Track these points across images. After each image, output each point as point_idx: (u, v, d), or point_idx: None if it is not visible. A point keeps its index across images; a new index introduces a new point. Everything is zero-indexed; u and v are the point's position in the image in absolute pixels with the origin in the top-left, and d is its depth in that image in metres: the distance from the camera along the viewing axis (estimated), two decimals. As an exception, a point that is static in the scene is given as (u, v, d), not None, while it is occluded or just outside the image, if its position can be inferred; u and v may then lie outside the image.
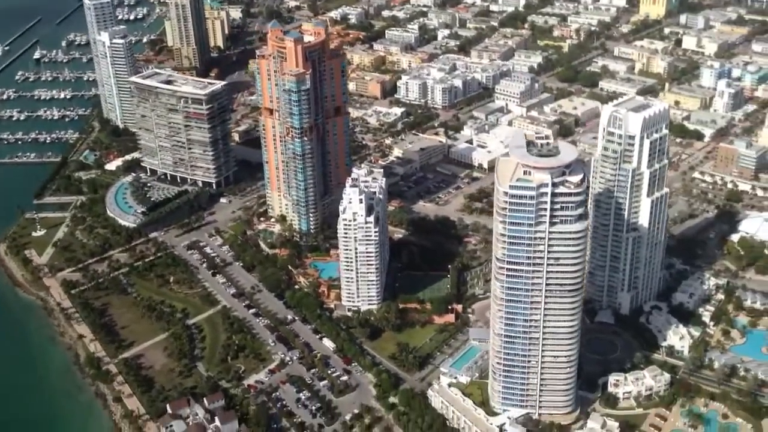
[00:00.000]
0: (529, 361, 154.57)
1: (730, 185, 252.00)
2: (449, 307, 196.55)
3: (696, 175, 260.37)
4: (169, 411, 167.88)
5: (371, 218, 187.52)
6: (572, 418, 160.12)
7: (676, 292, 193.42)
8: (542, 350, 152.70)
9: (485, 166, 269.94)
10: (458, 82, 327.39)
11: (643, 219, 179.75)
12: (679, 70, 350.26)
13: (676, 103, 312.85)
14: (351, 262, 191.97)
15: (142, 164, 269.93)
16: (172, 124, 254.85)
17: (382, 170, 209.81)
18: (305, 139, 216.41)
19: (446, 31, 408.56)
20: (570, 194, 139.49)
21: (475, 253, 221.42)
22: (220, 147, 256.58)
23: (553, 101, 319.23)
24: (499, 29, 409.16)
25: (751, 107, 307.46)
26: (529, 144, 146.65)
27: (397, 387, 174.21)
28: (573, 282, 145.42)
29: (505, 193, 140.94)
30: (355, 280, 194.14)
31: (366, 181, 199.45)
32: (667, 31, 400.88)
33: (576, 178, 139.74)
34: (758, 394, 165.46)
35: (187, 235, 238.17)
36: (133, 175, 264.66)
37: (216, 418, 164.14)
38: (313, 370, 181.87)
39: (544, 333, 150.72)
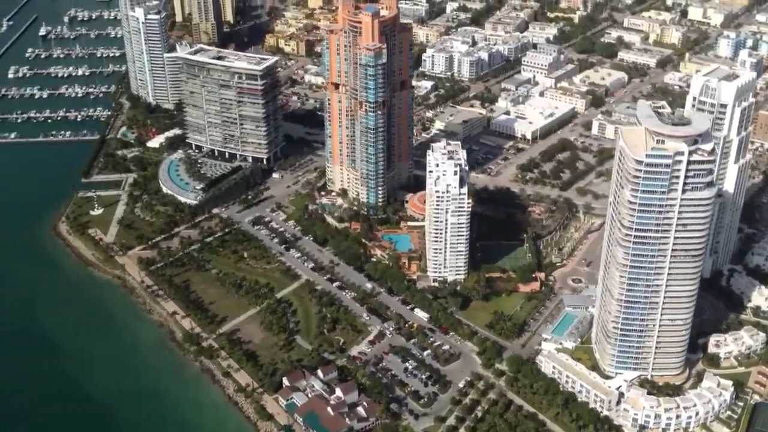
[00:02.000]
0: (646, 325, 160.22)
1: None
2: (533, 276, 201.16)
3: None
4: (287, 383, 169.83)
5: (464, 190, 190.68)
6: (682, 379, 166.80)
7: (752, 255, 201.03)
8: (661, 314, 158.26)
9: (528, 137, 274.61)
10: (484, 55, 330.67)
11: (729, 185, 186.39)
12: (691, 40, 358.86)
13: (697, 72, 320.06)
14: (441, 233, 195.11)
15: (187, 141, 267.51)
16: (224, 100, 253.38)
17: (459, 143, 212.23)
18: (378, 113, 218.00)
19: (454, 4, 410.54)
20: (703, 162, 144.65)
21: (541, 222, 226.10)
22: (272, 122, 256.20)
23: (578, 72, 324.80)
24: (507, 1, 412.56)
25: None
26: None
27: (500, 354, 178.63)
28: (698, 247, 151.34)
29: (639, 162, 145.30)
30: (443, 251, 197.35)
31: (448, 153, 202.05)
32: (669, 2, 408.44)
33: (708, 146, 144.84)
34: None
35: (248, 210, 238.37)
36: (184, 151, 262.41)
37: (337, 389, 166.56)
38: (413, 340, 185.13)
39: (664, 297, 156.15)
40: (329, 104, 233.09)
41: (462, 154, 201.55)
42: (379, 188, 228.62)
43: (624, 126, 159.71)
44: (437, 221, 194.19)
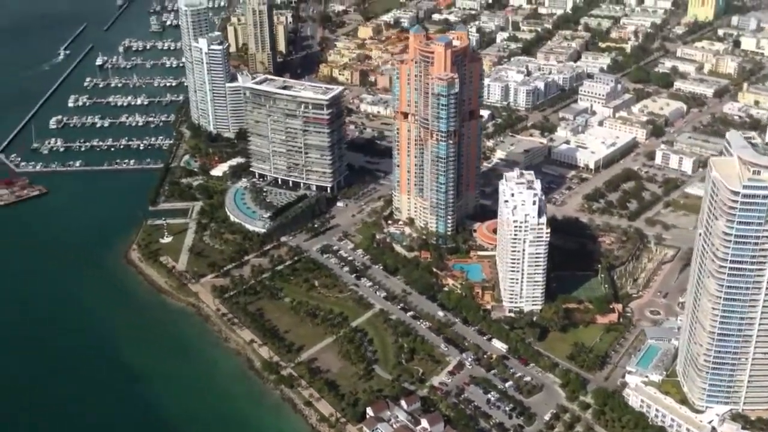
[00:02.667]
0: (739, 358, 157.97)
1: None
2: (610, 307, 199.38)
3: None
4: (371, 414, 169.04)
5: (543, 219, 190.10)
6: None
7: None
8: (754, 347, 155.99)
9: (591, 166, 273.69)
10: (540, 84, 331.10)
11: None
12: (747, 70, 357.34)
13: (756, 102, 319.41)
14: (518, 263, 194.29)
15: (250, 169, 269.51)
16: (289, 129, 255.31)
17: (532, 172, 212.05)
18: (450, 142, 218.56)
19: (504, 34, 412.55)
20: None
21: (613, 253, 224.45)
22: (336, 151, 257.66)
23: (635, 102, 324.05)
24: (555, 31, 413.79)
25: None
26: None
27: (584, 387, 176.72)
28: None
29: (736, 193, 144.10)
30: (520, 282, 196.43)
31: (522, 183, 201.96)
32: (721, 32, 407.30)
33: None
34: None
35: (315, 239, 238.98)
36: (248, 180, 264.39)
37: (422, 420, 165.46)
38: (493, 371, 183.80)
39: (758, 330, 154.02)
40: (398, 133, 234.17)
41: (538, 184, 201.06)
42: (449, 217, 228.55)
43: (716, 157, 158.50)
44: (515, 251, 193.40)
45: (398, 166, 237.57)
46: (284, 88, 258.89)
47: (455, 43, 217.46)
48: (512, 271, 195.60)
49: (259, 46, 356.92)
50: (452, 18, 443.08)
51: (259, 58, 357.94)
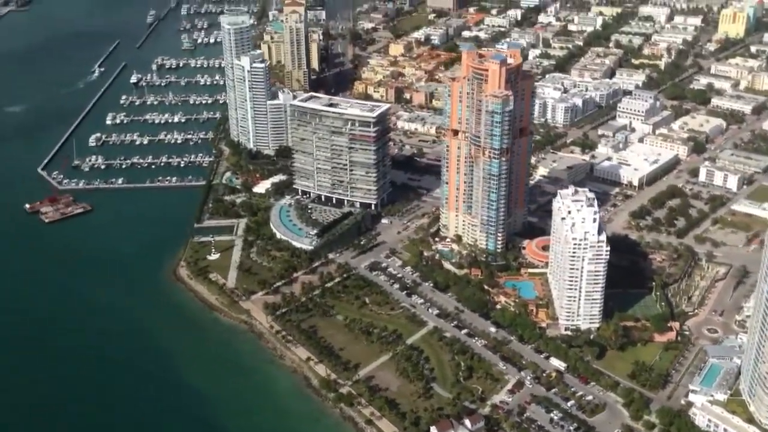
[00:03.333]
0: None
1: None
2: (668, 325, 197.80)
3: None
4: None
5: (602, 237, 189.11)
6: None
7: None
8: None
9: (635, 183, 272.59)
10: (578, 101, 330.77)
11: None
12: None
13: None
14: (576, 281, 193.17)
15: (293, 186, 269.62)
16: (335, 146, 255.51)
17: (586, 189, 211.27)
18: (502, 159, 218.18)
19: (536, 51, 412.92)
20: None
21: (665, 270, 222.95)
22: (381, 168, 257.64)
23: (673, 119, 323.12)
24: (587, 48, 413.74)
25: None
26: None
27: (647, 406, 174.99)
28: None
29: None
30: (578, 299, 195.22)
31: (578, 200, 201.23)
32: (753, 49, 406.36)
33: None
34: None
35: (362, 256, 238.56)
36: (292, 197, 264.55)
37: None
38: (553, 390, 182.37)
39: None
40: (447, 150, 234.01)
41: (594, 202, 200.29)
42: (499, 235, 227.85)
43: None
44: (573, 269, 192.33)
45: (446, 183, 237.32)
46: (330, 105, 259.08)
47: (509, 60, 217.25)
48: (570, 288, 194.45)
49: (296, 64, 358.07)
50: (482, 35, 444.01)
51: (295, 75, 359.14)
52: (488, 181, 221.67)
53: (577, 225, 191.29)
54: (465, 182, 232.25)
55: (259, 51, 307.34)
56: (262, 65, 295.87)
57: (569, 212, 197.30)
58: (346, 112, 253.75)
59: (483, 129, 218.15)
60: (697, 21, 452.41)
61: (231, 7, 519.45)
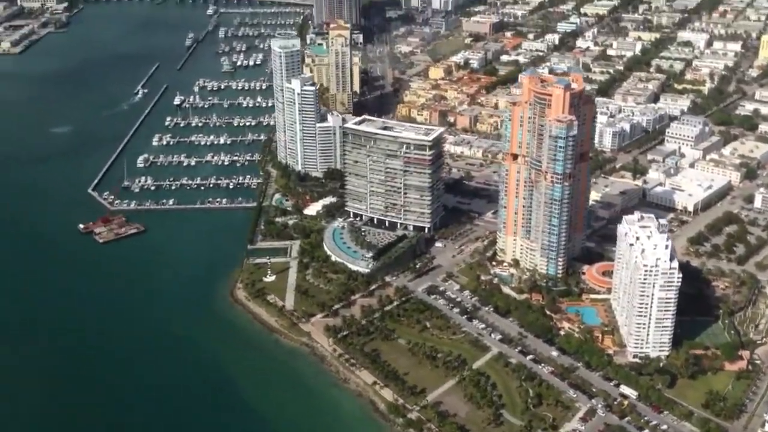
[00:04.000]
0: None
1: None
2: (738, 354, 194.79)
3: None
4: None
5: (675, 264, 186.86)
6: None
7: None
8: None
9: (690, 209, 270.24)
10: (626, 126, 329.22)
11: None
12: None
13: None
14: (646, 308, 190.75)
15: (345, 208, 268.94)
16: (389, 169, 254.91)
17: (652, 215, 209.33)
18: (565, 184, 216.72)
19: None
20: None
21: (729, 298, 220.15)
22: (435, 192, 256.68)
23: (722, 144, 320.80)
24: (628, 73, 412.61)
25: None
26: None
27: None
28: None
29: None
30: (647, 327, 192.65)
31: (646, 226, 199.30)
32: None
33: None
34: None
35: (419, 279, 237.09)
36: (344, 219, 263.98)
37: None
38: (626, 419, 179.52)
39: None
40: (506, 175, 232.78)
41: (665, 228, 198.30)
42: (560, 260, 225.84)
43: None
44: (643, 296, 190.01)
45: (505, 207, 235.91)
46: (384, 128, 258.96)
47: (573, 85, 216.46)
48: (640, 316, 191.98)
49: (340, 87, 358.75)
50: (521, 59, 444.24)
51: (340, 98, 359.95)
52: (550, 205, 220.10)
53: (647, 251, 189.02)
54: (524, 206, 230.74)
55: (308, 74, 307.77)
56: (312, 88, 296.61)
57: (638, 238, 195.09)
58: (402, 135, 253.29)
59: (546, 154, 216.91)
60: (736, 47, 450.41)
61: (268, 31, 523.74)
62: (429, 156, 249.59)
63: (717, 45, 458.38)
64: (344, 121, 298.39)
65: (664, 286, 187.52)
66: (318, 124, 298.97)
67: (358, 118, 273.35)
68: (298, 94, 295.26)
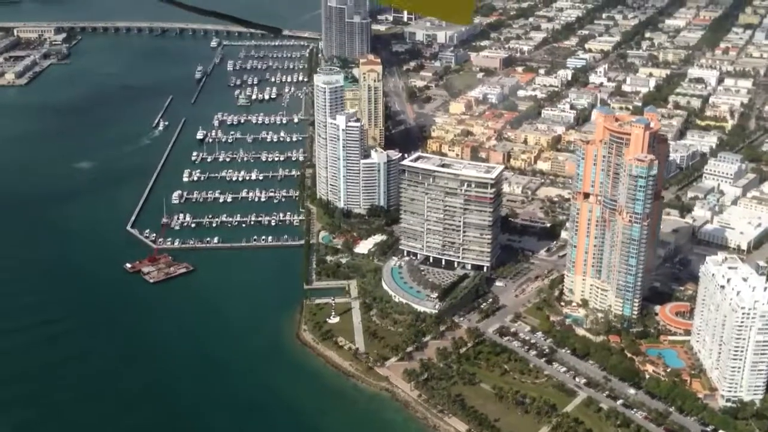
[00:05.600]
0: None
1: None
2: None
3: None
4: None
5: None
6: None
7: None
8: None
9: (743, 247, 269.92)
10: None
11: None
12: None
13: None
14: (741, 351, 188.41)
15: (399, 247, 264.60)
16: (448, 207, 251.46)
17: (735, 257, 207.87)
18: (644, 224, 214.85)
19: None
20: None
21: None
22: (495, 230, 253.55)
23: (758, 182, 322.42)
24: (647, 109, 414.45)
25: None
26: None
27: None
28: None
29: None
30: (742, 370, 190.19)
31: (734, 267, 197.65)
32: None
33: None
34: None
35: (487, 320, 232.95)
36: (401, 258, 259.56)
37: None
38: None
39: None
40: (577, 214, 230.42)
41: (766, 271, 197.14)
42: (635, 300, 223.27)
43: None
44: (739, 339, 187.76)
45: (574, 246, 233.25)
46: (442, 166, 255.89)
47: (651, 124, 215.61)
48: (735, 359, 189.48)
49: (373, 122, 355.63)
50: (538, 94, 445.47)
51: (372, 133, 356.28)
52: (627, 245, 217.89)
53: (744, 294, 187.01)
54: (595, 246, 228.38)
55: (352, 110, 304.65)
56: (357, 124, 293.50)
57: (729, 280, 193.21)
58: (462, 172, 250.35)
59: (624, 193, 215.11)
60: (747, 84, 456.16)
61: (276, 64, 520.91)
62: (491, 194, 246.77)
63: (728, 82, 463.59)
64: (388, 157, 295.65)
65: (763, 329, 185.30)
66: (362, 161, 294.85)
67: (414, 155, 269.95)
68: (343, 130, 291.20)
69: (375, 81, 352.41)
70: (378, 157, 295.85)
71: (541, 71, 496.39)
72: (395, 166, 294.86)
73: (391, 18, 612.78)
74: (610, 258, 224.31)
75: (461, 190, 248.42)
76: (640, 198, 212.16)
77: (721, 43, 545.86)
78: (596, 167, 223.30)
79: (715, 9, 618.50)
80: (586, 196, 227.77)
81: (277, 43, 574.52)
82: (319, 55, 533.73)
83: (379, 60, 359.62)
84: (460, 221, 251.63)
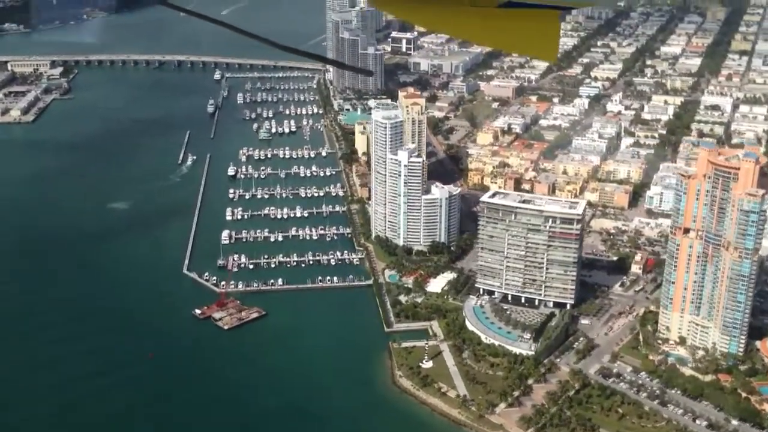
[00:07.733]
0: None
1: None
2: None
3: None
4: None
5: None
6: None
7: None
8: None
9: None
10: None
11: None
12: None
13: None
14: None
15: (476, 285, 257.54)
16: (530, 244, 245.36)
17: None
18: (754, 259, 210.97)
19: (630, 139, 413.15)
20: None
21: None
22: (578, 266, 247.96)
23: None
24: (672, 137, 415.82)
25: None
26: None
27: None
28: None
29: None
30: None
31: None
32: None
33: None
34: None
35: (584, 360, 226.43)
36: (480, 296, 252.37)
37: None
38: None
39: None
40: (677, 249, 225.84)
41: None
42: (742, 337, 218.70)
43: None
44: None
45: (673, 282, 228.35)
46: (523, 202, 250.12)
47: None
48: None
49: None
50: (562, 123, 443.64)
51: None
52: (736, 282, 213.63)
53: None
54: (695, 282, 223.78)
55: (413, 145, 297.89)
56: (419, 160, 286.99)
57: None
58: (546, 208, 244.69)
59: (732, 228, 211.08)
60: (762, 110, 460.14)
61: (287, 96, 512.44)
62: (576, 230, 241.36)
63: (743, 108, 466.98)
64: (449, 192, 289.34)
65: None
66: (423, 196, 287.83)
67: (490, 192, 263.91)
68: (405, 165, 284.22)
69: (419, 114, 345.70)
70: (439, 192, 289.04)
71: (555, 100, 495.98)
72: (455, 201, 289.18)
73: (389, 48, 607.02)
74: (713, 294, 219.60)
75: (545, 226, 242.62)
76: (751, 233, 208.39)
77: (722, 70, 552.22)
78: (698, 202, 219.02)
79: (705, 35, 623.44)
80: (686, 231, 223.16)
81: (280, 75, 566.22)
82: (329, 87, 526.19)
83: (419, 93, 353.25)
84: (543, 258, 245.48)
